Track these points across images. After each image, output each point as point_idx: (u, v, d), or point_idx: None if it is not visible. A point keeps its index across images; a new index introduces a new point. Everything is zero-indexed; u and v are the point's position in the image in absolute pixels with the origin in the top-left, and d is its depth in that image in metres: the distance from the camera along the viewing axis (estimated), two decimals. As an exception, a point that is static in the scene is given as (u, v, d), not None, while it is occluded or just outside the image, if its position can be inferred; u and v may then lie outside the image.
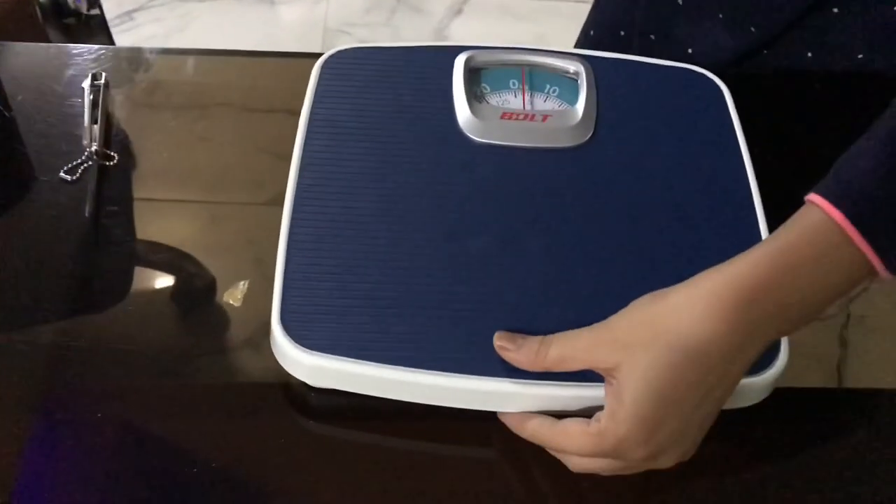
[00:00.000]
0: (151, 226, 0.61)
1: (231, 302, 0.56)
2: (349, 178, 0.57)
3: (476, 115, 0.59)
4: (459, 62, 0.62)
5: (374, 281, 0.52)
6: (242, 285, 0.57)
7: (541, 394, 0.49)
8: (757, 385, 0.51)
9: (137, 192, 0.62)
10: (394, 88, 0.61)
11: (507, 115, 0.59)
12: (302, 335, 0.50)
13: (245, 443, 0.51)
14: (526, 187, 0.57)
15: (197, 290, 0.58)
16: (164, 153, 0.65)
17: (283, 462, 0.50)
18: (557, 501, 0.51)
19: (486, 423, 0.51)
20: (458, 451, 0.52)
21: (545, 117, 0.59)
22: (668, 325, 0.45)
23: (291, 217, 0.54)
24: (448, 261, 0.53)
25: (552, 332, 0.48)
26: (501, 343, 0.49)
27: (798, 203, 0.47)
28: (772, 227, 0.55)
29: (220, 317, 0.56)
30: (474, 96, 0.61)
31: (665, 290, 0.46)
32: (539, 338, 0.48)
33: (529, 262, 0.54)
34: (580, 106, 0.60)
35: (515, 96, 0.62)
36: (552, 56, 0.63)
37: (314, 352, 0.50)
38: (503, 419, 0.50)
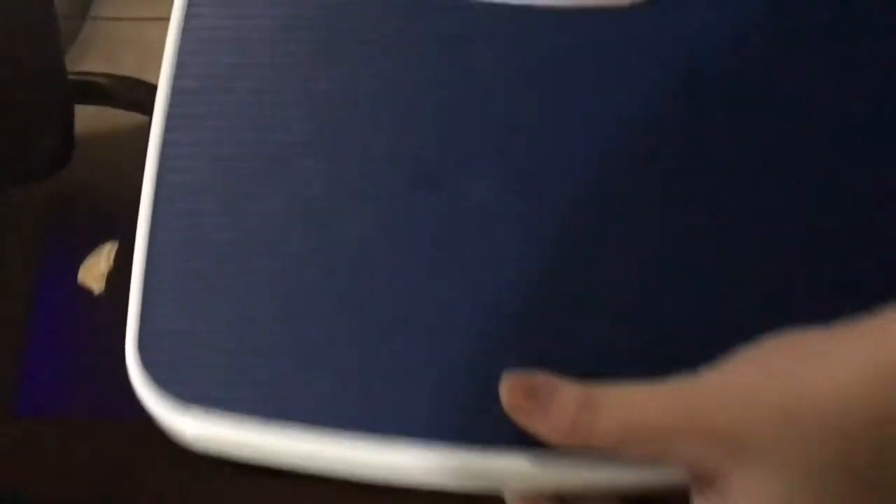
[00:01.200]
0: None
1: (90, 284, 0.36)
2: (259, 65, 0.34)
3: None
4: None
5: (289, 276, 0.31)
6: (108, 251, 0.36)
7: (566, 474, 0.29)
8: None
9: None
10: None
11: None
12: (168, 378, 0.30)
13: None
14: (548, 82, 0.34)
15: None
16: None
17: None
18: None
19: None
20: None
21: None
22: (825, 407, 0.23)
23: (158, 161, 0.33)
24: (418, 229, 0.32)
25: (599, 364, 0.28)
26: (515, 399, 0.28)
27: None
28: None
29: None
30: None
31: (808, 334, 0.24)
32: (575, 391, 0.27)
33: (551, 220, 0.31)
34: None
35: None
36: None
37: (191, 406, 0.30)
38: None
